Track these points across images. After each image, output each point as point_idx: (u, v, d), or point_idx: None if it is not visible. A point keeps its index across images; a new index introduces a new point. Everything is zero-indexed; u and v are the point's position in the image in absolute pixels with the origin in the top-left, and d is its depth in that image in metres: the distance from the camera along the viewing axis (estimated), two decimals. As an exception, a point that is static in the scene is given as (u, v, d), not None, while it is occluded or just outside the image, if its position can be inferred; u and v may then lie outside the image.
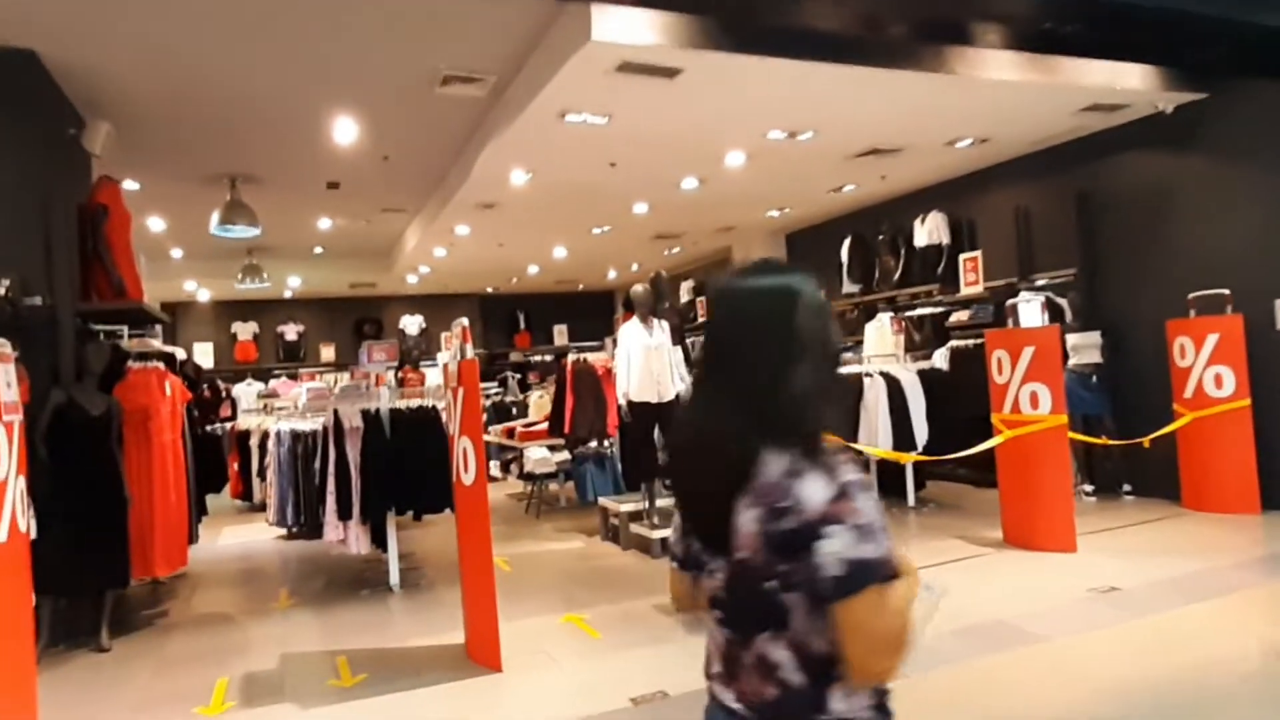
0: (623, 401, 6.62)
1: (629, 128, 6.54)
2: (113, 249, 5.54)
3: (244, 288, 11.94)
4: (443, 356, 12.91)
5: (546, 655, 4.42)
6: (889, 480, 7.87)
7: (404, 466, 5.81)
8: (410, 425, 5.97)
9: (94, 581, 5.02)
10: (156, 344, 6.04)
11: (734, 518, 1.23)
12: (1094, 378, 7.38)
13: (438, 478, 5.92)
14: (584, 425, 7.35)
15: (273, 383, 12.26)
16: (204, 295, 14.46)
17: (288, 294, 14.93)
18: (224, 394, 13.77)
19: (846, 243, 10.54)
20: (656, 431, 6.70)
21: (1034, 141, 7.96)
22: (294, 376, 14.24)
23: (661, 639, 4.52)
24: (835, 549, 1.17)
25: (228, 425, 9.53)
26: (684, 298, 14.72)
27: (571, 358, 7.65)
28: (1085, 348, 7.36)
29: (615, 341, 7.04)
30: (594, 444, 7.64)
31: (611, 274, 15.37)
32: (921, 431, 7.31)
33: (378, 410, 5.94)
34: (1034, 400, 5.74)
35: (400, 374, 15.15)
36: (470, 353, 4.27)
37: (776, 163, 7.99)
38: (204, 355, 14.92)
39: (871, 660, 1.21)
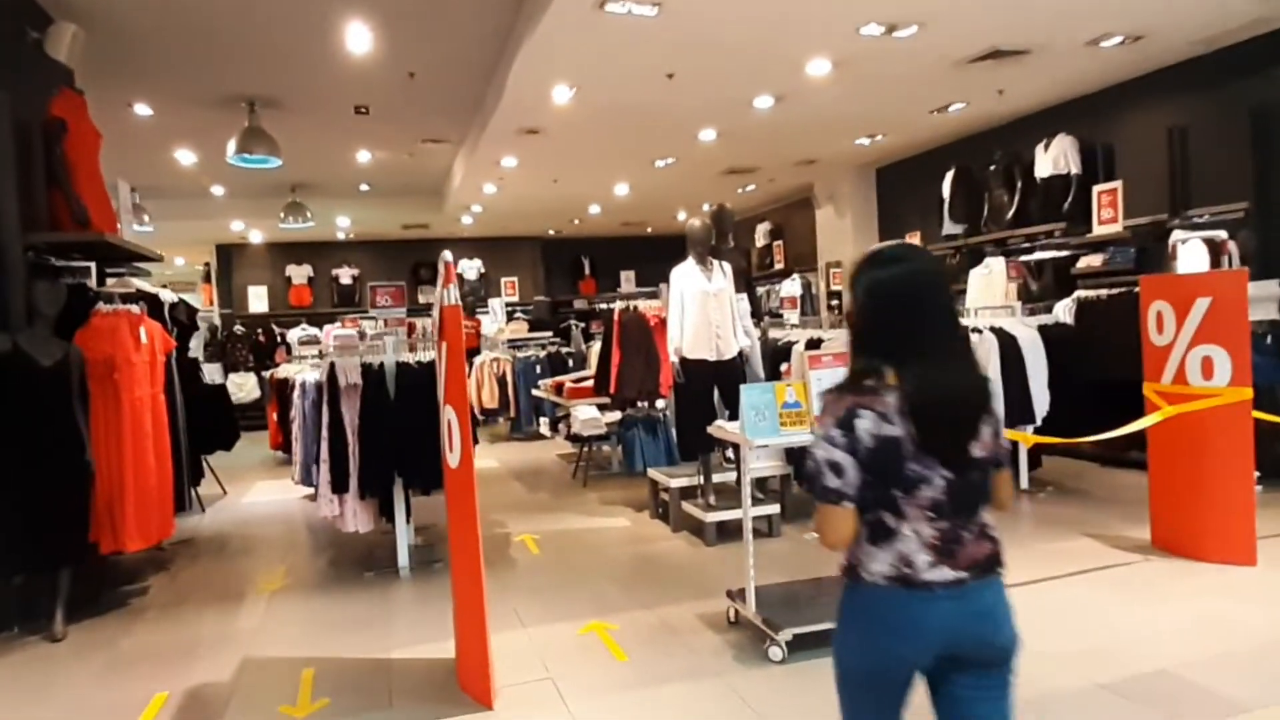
0: (674, 358, 5.54)
1: (686, 24, 5.32)
2: (73, 172, 4.73)
3: (288, 227, 11.28)
4: (496, 303, 12.07)
5: (552, 686, 3.46)
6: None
7: (411, 432, 4.90)
8: (420, 383, 5.03)
9: (47, 557, 4.32)
10: (140, 284, 5.25)
11: (977, 434, 1.67)
12: (1269, 338, 5.88)
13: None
14: (631, 384, 6.31)
15: (327, 328, 11.67)
16: (256, 237, 13.96)
17: (340, 236, 14.30)
18: (280, 339, 13.38)
19: (949, 176, 9.05)
20: (716, 396, 5.62)
21: (1200, 41, 6.33)
22: (356, 321, 13.66)
23: (699, 671, 3.50)
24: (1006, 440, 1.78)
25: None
26: (759, 242, 13.41)
27: (619, 305, 6.58)
28: (1260, 300, 5.84)
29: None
30: (644, 405, 6.60)
31: (681, 215, 14.11)
32: (1042, 401, 5.99)
33: (381, 366, 5.02)
34: (1207, 368, 4.39)
35: (455, 321, 14.49)
36: (454, 296, 3.24)
37: (869, 73, 6.62)
38: (258, 299, 14.53)
39: (1007, 500, 1.77)
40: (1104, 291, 6.73)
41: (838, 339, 5.60)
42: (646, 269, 15.52)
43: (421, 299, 15.17)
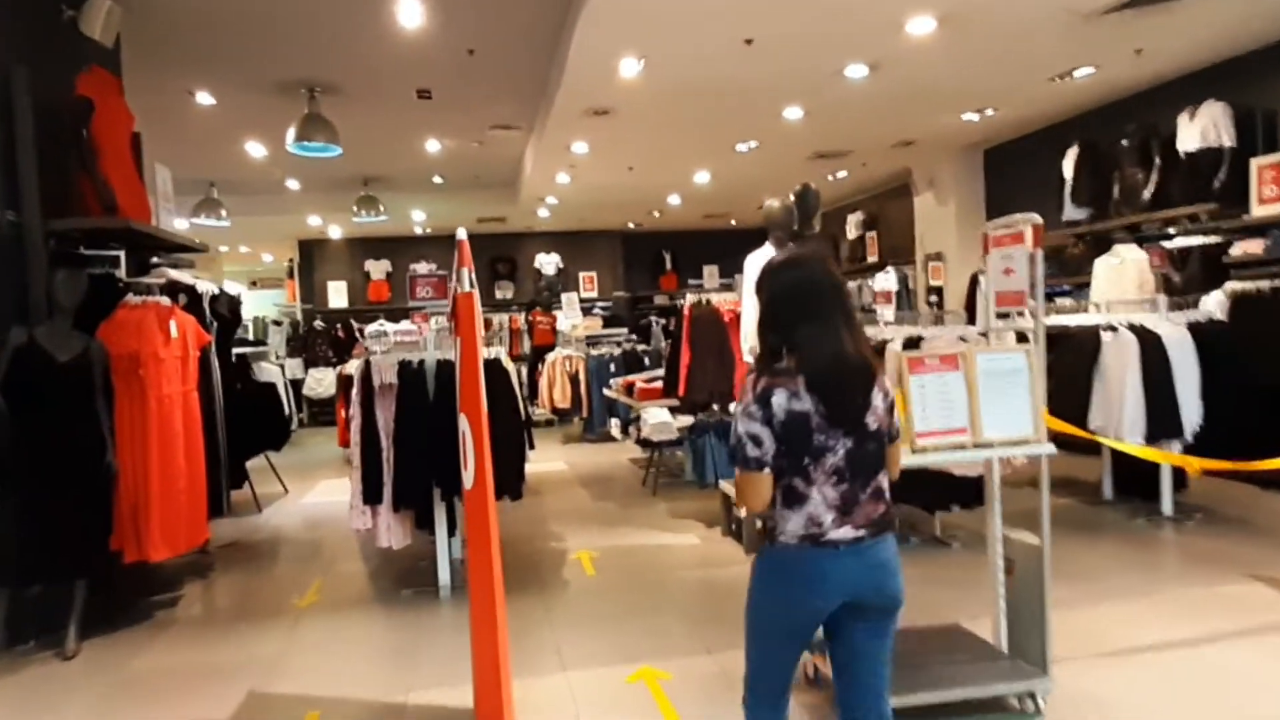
0: (749, 358, 4.87)
1: (765, -26, 4.63)
2: (100, 154, 4.43)
3: (361, 221, 11.11)
4: (569, 298, 11.61)
5: (586, 755, 2.87)
6: (1128, 473, 5.63)
7: (452, 436, 4.40)
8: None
9: (62, 568, 4.01)
10: (176, 275, 4.94)
11: (869, 405, 1.93)
12: None
13: (500, 452, 4.48)
14: (702, 386, 5.67)
15: (403, 323, 11.45)
16: (335, 232, 13.95)
17: (417, 230, 14.15)
18: (359, 334, 13.32)
19: (1072, 153, 7.99)
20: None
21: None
22: (426, 317, 13.50)
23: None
24: (898, 414, 2.05)
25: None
26: (851, 233, 12.49)
27: (689, 298, 5.94)
28: None
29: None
30: (716, 410, 5.93)
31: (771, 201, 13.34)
32: (1192, 413, 5.03)
33: (420, 364, 4.54)
34: None
35: (530, 317, 14.15)
36: (469, 281, 2.68)
37: (980, 31, 5.76)
38: (338, 294, 14.55)
39: (897, 470, 2.06)
40: (1265, 284, 5.67)
41: (942, 336, 4.80)
42: (730, 263, 14.77)
43: (498, 295, 14.91)
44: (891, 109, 7.73)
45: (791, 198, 5.02)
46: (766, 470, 1.89)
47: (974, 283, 9.43)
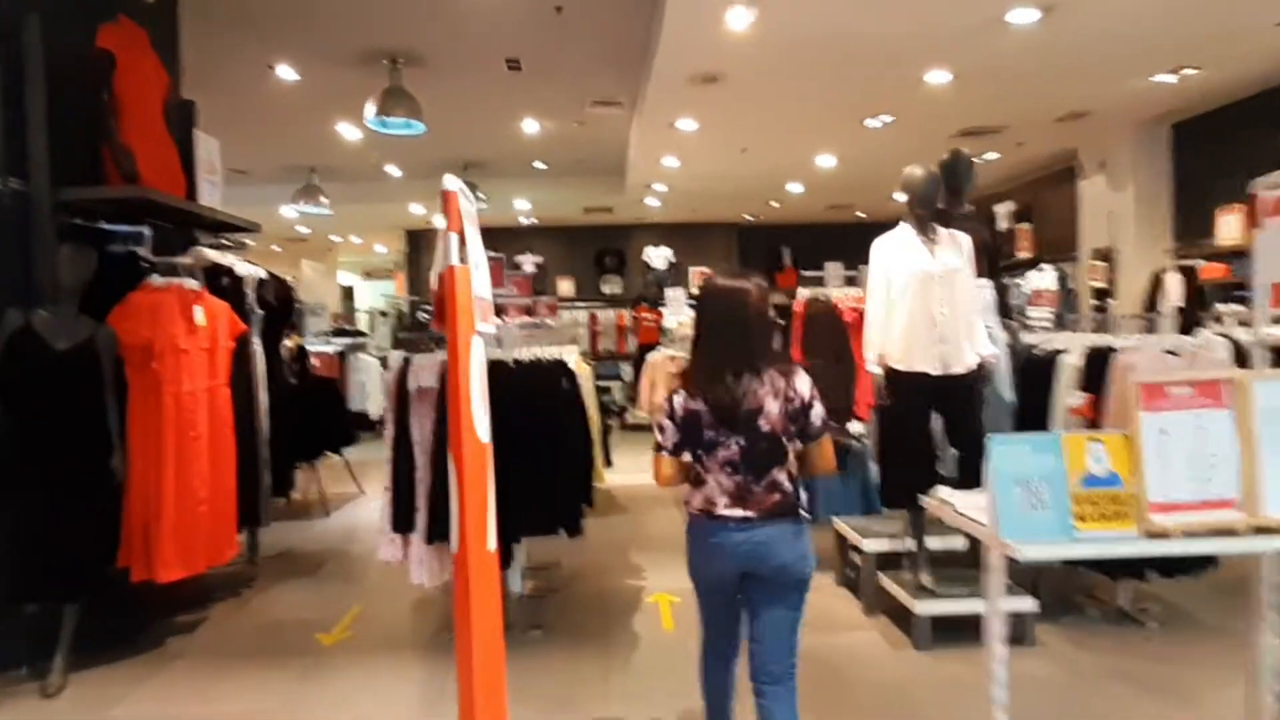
0: (875, 368, 3.82)
1: None
2: (122, 116, 3.89)
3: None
4: (674, 294, 10.74)
5: None
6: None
7: (504, 453, 3.60)
8: (520, 388, 3.72)
9: (49, 588, 3.48)
10: (213, 256, 4.38)
11: (760, 414, 2.25)
12: None
13: (555, 477, 3.66)
14: (816, 401, 4.61)
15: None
16: (440, 222, 13.51)
17: (522, 221, 13.63)
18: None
19: (1297, 123, 6.38)
20: (937, 421, 3.87)
21: None
22: (529, 311, 12.97)
23: None
24: (818, 414, 2.32)
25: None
26: (1000, 225, 10.95)
27: (802, 293, 4.91)
28: None
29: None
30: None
31: (899, 196, 11.96)
32: None
33: (468, 363, 3.75)
34: None
35: (635, 313, 13.35)
36: (455, 250, 1.82)
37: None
38: (444, 286, 14.24)
39: (826, 466, 2.39)
40: None
41: (1144, 348, 3.59)
42: (856, 260, 13.50)
43: (605, 290, 14.22)
44: (1063, 69, 6.37)
45: (936, 167, 3.91)
46: (665, 454, 2.35)
47: (1157, 282, 7.88)
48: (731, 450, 2.25)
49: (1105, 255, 8.92)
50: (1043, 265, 9.55)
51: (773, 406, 2.24)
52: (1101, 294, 9.05)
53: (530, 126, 8.87)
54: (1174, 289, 7.69)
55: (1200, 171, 7.96)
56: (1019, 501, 1.76)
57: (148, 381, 3.80)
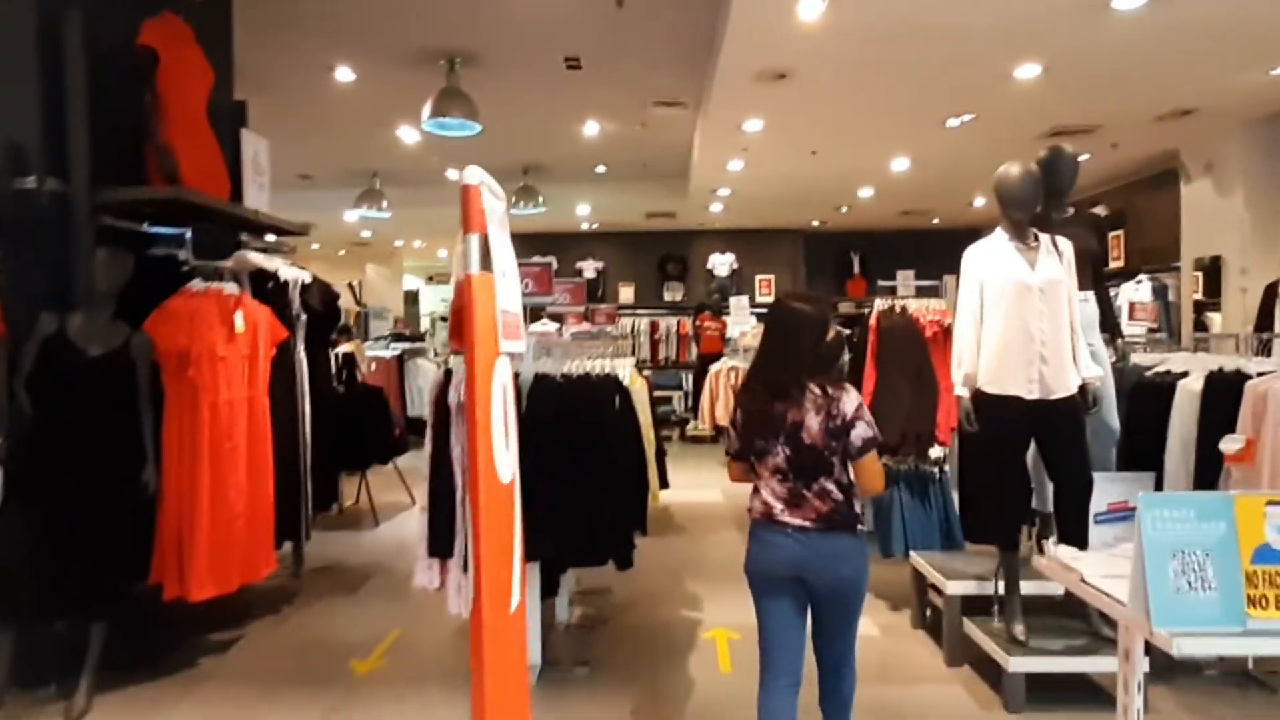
0: (962, 390, 3.41)
1: None
2: (164, 115, 3.76)
3: (519, 213, 10.46)
4: (738, 302, 10.39)
5: None
6: None
7: (547, 474, 3.32)
8: (569, 408, 3.44)
9: (75, 605, 3.33)
10: (258, 259, 4.23)
11: (799, 424, 2.39)
12: None
13: (605, 504, 3.37)
14: (892, 423, 4.22)
15: (543, 322, 10.71)
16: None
17: (584, 226, 13.43)
18: (522, 334, 12.82)
19: None
20: (1031, 452, 3.45)
21: None
22: (588, 317, 12.76)
23: None
24: (861, 434, 2.37)
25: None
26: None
27: (878, 304, 4.50)
28: None
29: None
30: (909, 456, 4.46)
31: (979, 201, 11.38)
32: None
33: (515, 378, 3.48)
34: None
35: (697, 322, 12.99)
36: (475, 257, 1.52)
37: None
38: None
39: (869, 486, 2.43)
40: None
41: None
42: (930, 269, 12.85)
43: (667, 296, 13.92)
44: (1168, 61, 5.80)
45: (1034, 165, 3.48)
46: (735, 460, 2.58)
47: (1272, 295, 7.17)
48: (779, 458, 2.41)
49: (1209, 265, 8.20)
50: (1141, 276, 8.86)
51: (813, 421, 2.38)
52: (1200, 307, 8.34)
53: (591, 129, 8.64)
54: (1292, 304, 6.97)
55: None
56: (1175, 578, 1.38)
57: (184, 390, 3.65)
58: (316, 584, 4.98)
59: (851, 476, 2.40)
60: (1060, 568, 1.82)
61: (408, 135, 8.60)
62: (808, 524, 2.36)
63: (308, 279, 4.58)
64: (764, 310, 12.64)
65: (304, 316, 4.52)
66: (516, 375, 3.52)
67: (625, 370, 4.06)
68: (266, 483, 4.04)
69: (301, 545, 4.98)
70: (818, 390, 2.37)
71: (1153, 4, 4.77)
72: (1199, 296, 8.35)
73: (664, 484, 4.70)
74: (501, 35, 6.07)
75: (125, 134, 3.76)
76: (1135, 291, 8.55)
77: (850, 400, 2.39)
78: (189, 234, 3.92)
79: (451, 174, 10.66)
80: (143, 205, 3.77)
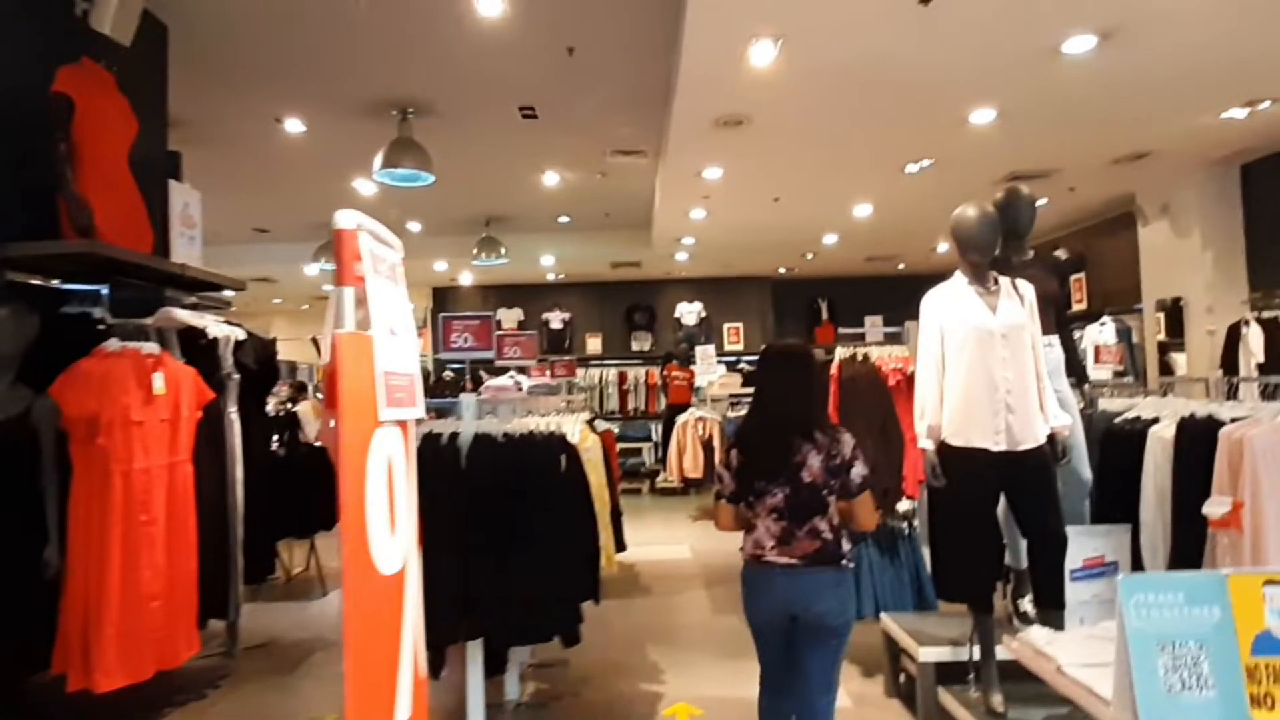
0: (927, 443, 3.23)
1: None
2: (80, 164, 3.54)
3: (482, 264, 10.32)
4: (704, 351, 10.24)
5: None
6: None
7: (485, 548, 3.08)
8: (509, 471, 3.21)
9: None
10: (183, 316, 3.99)
11: (800, 464, 2.52)
12: None
13: (549, 575, 3.12)
14: (857, 477, 4.01)
15: (503, 378, 10.43)
16: (466, 279, 13.36)
17: (550, 277, 13.31)
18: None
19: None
20: (1002, 505, 3.27)
21: None
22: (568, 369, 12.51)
23: None
24: (858, 474, 2.54)
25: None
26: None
27: (840, 352, 4.35)
28: None
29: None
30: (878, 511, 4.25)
31: (942, 247, 11.42)
32: None
33: (452, 439, 3.26)
34: None
35: (665, 371, 12.82)
36: (349, 314, 1.32)
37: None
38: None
39: (866, 523, 2.59)
40: None
41: (1260, 417, 2.95)
42: (897, 315, 12.86)
43: (635, 346, 13.76)
44: (1122, 105, 5.83)
45: (991, 207, 3.37)
46: (724, 501, 2.65)
47: (1236, 336, 7.15)
48: (777, 498, 2.51)
49: (1171, 307, 8.21)
50: (1105, 319, 8.87)
51: (815, 460, 2.51)
52: (1164, 349, 8.33)
53: (551, 178, 8.55)
54: (1256, 343, 6.96)
55: (1277, 215, 7.29)
56: (1165, 675, 1.18)
57: (93, 459, 3.36)
58: (252, 663, 4.62)
59: (837, 518, 2.55)
60: (1034, 654, 1.62)
61: (364, 187, 8.45)
62: (795, 562, 2.49)
63: (241, 335, 4.33)
64: (732, 359, 12.52)
65: (237, 376, 4.26)
66: (453, 437, 3.30)
67: (575, 426, 3.84)
68: (189, 558, 3.73)
69: (235, 620, 4.63)
70: (819, 431, 2.54)
71: (1101, 49, 4.78)
72: (1162, 338, 8.35)
73: (620, 547, 4.45)
74: (454, 85, 5.97)
75: (38, 186, 3.53)
76: (1099, 334, 8.53)
77: (848, 440, 2.57)
78: (105, 291, 3.67)
79: (413, 226, 10.52)
80: (55, 260, 3.53)
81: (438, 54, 5.43)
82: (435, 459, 3.19)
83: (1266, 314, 7.00)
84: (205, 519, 3.86)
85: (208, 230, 4.56)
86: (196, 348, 4.11)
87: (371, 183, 8.28)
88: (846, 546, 2.54)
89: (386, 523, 1.30)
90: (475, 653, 3.28)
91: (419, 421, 3.03)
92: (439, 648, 3.10)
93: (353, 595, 1.19)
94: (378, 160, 6.27)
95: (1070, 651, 1.54)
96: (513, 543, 3.02)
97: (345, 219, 1.34)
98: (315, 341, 15.46)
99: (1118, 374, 8.29)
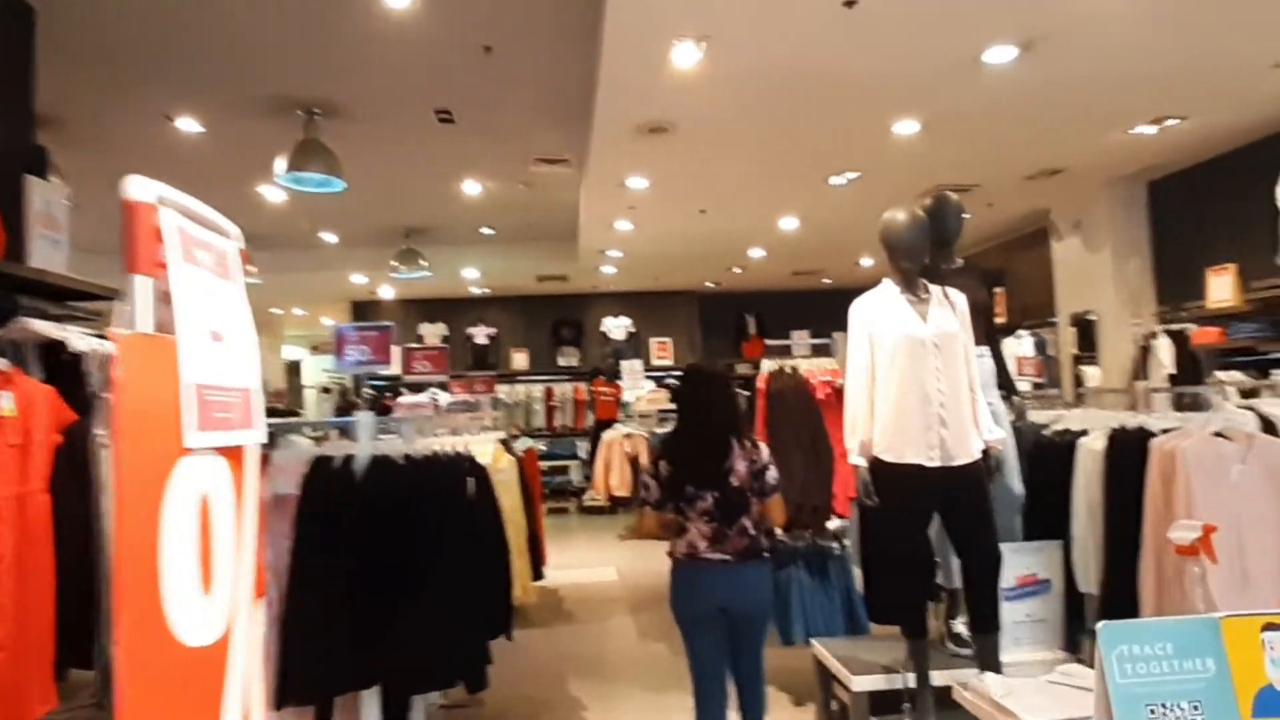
0: (858, 459, 3.07)
1: None
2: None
3: (402, 277, 9.91)
4: (631, 366, 10.03)
5: None
6: None
7: (377, 585, 2.75)
8: (407, 497, 2.89)
9: None
10: (42, 327, 3.53)
11: (729, 470, 2.81)
12: None
13: (452, 611, 2.82)
14: (784, 496, 3.83)
15: (422, 395, 9.98)
16: (387, 292, 12.85)
17: (474, 291, 12.92)
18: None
19: (1291, 175, 5.92)
20: (936, 526, 3.12)
21: None
22: (464, 387, 12.08)
23: None
24: (772, 477, 2.87)
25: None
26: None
27: (766, 365, 4.18)
28: None
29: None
30: (807, 533, 4.08)
31: (866, 261, 11.52)
32: None
33: (347, 463, 2.93)
34: None
35: (592, 387, 12.58)
36: (144, 314, 1.04)
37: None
38: (394, 361, 13.37)
39: (778, 519, 2.94)
40: None
41: (1190, 428, 2.88)
42: (823, 329, 12.91)
43: (562, 362, 13.46)
44: (1040, 118, 5.89)
45: (925, 211, 3.25)
46: (649, 508, 2.91)
47: (1147, 348, 7.33)
48: (708, 502, 2.78)
49: (1082, 321, 8.40)
50: (1021, 332, 9.03)
51: (741, 466, 2.81)
52: (1077, 361, 8.51)
53: (472, 188, 8.23)
54: (1166, 355, 7.14)
55: (1181, 231, 7.52)
56: (1147, 736, 0.99)
57: (-84, 493, 2.91)
58: None
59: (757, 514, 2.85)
60: (992, 707, 1.43)
61: (272, 194, 7.96)
62: (729, 558, 2.76)
63: (110, 351, 3.89)
64: (660, 375, 12.30)
65: (107, 395, 3.81)
66: (348, 460, 2.98)
67: (487, 446, 3.55)
68: (45, 600, 3.27)
69: (108, 669, 4.14)
70: (743, 440, 2.87)
71: (1021, 60, 4.78)
72: (1075, 351, 8.53)
73: (537, 575, 4.16)
74: (363, 83, 5.62)
75: None
76: (1019, 346, 8.68)
77: (764, 449, 2.92)
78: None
79: (328, 237, 10.04)
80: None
81: (344, 49, 5.10)
82: (325, 486, 2.86)
83: (1174, 326, 7.19)
84: (66, 555, 3.42)
85: (92, 239, 4.11)
86: (60, 364, 3.67)
87: (279, 189, 7.81)
88: (765, 541, 2.87)
89: (195, 580, 1.02)
90: (370, 702, 2.94)
91: (271, 444, 2.69)
92: (327, 698, 2.75)
93: (135, 677, 0.90)
94: (281, 163, 5.85)
95: (1033, 706, 1.36)
96: (412, 577, 2.71)
97: (138, 188, 1.05)
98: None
99: (1037, 385, 8.44)
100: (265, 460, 2.87)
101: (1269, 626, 1.00)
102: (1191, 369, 6.92)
